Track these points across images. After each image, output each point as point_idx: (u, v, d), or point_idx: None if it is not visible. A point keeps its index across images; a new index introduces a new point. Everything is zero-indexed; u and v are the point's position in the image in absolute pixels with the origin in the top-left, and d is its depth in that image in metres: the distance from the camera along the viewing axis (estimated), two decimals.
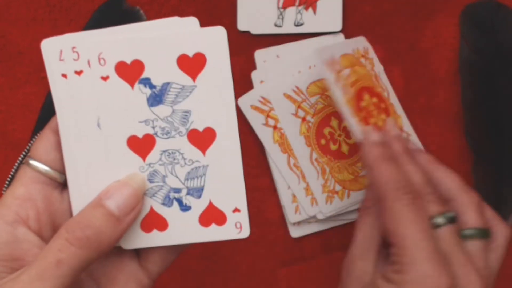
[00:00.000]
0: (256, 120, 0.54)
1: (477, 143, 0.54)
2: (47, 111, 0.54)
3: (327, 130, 0.54)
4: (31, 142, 0.40)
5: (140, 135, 0.37)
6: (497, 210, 0.53)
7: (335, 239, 0.56)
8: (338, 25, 0.55)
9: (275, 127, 0.54)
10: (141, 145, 0.38)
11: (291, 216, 0.54)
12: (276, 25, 0.55)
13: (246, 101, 0.53)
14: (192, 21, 0.37)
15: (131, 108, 0.37)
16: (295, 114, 0.53)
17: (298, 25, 0.55)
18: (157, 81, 0.37)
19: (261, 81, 0.54)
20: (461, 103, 0.54)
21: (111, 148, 0.37)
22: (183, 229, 0.38)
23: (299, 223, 0.55)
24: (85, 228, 0.35)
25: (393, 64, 0.55)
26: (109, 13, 0.55)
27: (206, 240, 0.38)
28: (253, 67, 0.55)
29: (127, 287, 0.39)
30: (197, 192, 0.38)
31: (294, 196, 0.54)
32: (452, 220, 0.41)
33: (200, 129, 0.38)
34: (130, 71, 0.37)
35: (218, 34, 0.37)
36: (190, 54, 0.37)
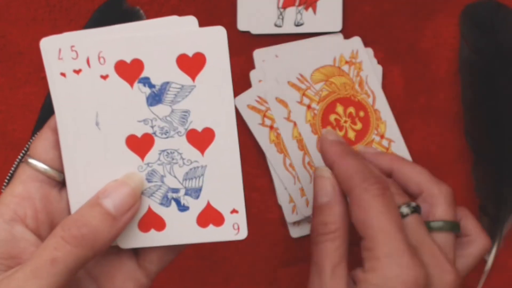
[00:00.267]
0: (252, 120, 0.54)
1: (477, 143, 0.54)
2: (47, 111, 0.54)
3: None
4: (31, 141, 0.40)
5: (139, 135, 0.37)
6: (497, 210, 0.54)
7: None
8: (338, 25, 0.55)
9: (271, 127, 0.54)
10: (139, 145, 0.37)
11: (288, 216, 0.54)
12: (276, 25, 0.55)
13: (243, 100, 0.54)
14: (190, 20, 0.37)
15: (130, 107, 0.37)
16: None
17: (298, 25, 0.55)
18: (157, 81, 0.37)
19: (260, 81, 0.54)
20: (461, 103, 0.54)
21: (110, 147, 0.37)
22: (181, 229, 0.38)
23: (298, 223, 0.55)
24: (81, 227, 0.35)
25: (393, 64, 0.55)
26: (109, 13, 0.55)
27: (204, 241, 0.38)
28: (253, 67, 0.55)
29: (125, 286, 0.39)
30: (195, 192, 0.38)
31: (291, 196, 0.54)
32: (416, 210, 0.41)
33: (199, 129, 0.37)
34: (130, 70, 0.37)
35: (218, 34, 0.37)
36: (190, 54, 0.37)
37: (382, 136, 0.54)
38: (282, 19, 0.55)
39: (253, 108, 0.54)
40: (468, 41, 0.54)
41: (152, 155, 0.38)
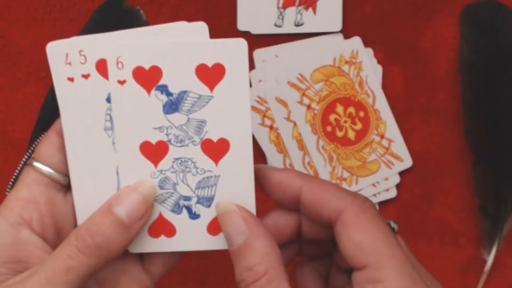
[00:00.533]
0: (252, 120, 0.54)
1: (477, 143, 0.54)
2: (47, 111, 0.54)
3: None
4: (35, 143, 0.39)
5: (154, 142, 0.37)
6: (497, 210, 0.54)
7: None
8: (338, 25, 0.55)
9: (271, 127, 0.54)
10: (154, 152, 0.37)
11: None
12: (276, 25, 0.55)
13: None
14: (200, 26, 0.37)
15: (146, 114, 0.37)
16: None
17: (298, 25, 0.55)
18: (174, 89, 0.37)
19: (260, 81, 0.54)
20: (461, 103, 0.54)
21: (123, 152, 0.37)
22: (191, 237, 0.38)
23: None
24: (95, 236, 0.34)
25: (393, 64, 0.55)
26: (109, 13, 0.55)
27: (213, 248, 0.38)
28: (253, 67, 0.55)
29: None
30: (207, 201, 0.38)
31: None
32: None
33: (214, 139, 0.37)
34: (148, 77, 0.36)
35: (239, 46, 0.36)
36: (209, 64, 0.36)
37: (382, 136, 0.54)
38: (282, 19, 0.55)
39: (253, 108, 0.54)
40: (468, 41, 0.54)
41: (165, 162, 0.37)
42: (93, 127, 0.37)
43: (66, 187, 0.39)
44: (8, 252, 0.36)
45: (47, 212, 0.38)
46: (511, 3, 0.54)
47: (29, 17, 0.56)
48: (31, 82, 0.56)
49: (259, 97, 0.54)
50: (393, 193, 0.55)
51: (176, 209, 0.38)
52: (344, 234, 0.33)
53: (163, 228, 0.38)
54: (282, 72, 0.54)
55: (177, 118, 0.37)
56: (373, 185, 0.55)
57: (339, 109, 0.54)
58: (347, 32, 0.55)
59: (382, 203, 0.55)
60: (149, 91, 0.37)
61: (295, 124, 0.54)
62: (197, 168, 0.37)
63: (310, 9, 0.55)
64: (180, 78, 0.37)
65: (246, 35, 0.55)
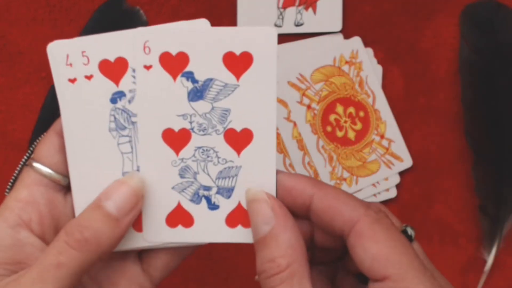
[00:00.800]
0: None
1: (477, 143, 0.54)
2: (47, 111, 0.54)
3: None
4: (35, 144, 0.39)
5: (176, 129, 0.36)
6: (497, 210, 0.54)
7: None
8: (338, 25, 0.55)
9: None
10: (176, 139, 0.36)
11: None
12: (276, 25, 0.55)
13: None
14: (202, 23, 0.37)
15: (170, 101, 0.36)
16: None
17: (298, 25, 0.55)
18: (200, 76, 0.36)
19: None
20: (461, 103, 0.54)
21: (145, 138, 0.36)
22: (209, 228, 0.37)
23: None
24: (84, 230, 0.34)
25: (393, 64, 0.55)
26: (109, 13, 0.55)
27: (230, 241, 0.37)
28: None
29: None
30: (227, 192, 0.37)
31: None
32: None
33: (238, 129, 0.36)
34: (174, 63, 0.36)
35: (268, 35, 0.36)
36: (237, 52, 0.36)
37: (382, 136, 0.54)
38: (282, 19, 0.55)
39: None
40: (468, 41, 0.54)
41: (187, 150, 0.37)
42: (96, 128, 0.37)
43: (66, 188, 0.38)
44: (6, 253, 0.36)
45: (47, 213, 0.37)
46: (511, 3, 0.54)
47: (29, 17, 0.56)
48: (31, 82, 0.56)
49: None
50: (393, 193, 0.55)
51: (195, 199, 0.37)
52: (359, 246, 0.33)
53: (181, 217, 0.37)
54: (282, 72, 0.54)
55: (202, 106, 0.36)
56: (373, 185, 0.55)
57: (339, 109, 0.54)
58: (347, 32, 0.55)
59: (382, 203, 0.55)
60: (174, 78, 0.36)
61: (295, 124, 0.54)
62: (218, 158, 0.37)
63: (310, 9, 0.55)
64: (206, 65, 0.36)
65: None
